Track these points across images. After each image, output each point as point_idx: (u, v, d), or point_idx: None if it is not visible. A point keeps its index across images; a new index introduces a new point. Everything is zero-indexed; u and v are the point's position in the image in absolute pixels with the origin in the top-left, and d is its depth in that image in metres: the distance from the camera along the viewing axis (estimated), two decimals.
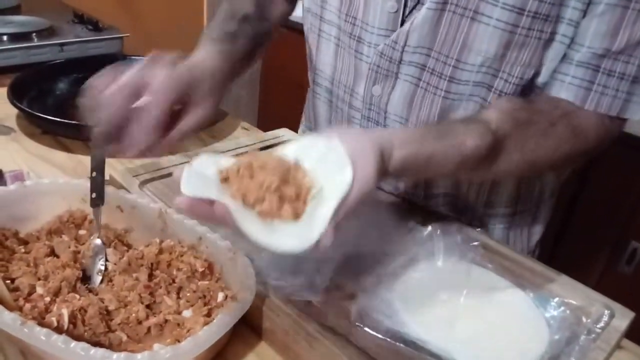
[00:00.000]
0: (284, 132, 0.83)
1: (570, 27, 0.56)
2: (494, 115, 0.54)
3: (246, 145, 0.77)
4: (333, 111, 0.75)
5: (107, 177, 0.58)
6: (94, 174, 0.54)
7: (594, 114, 0.57)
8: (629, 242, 1.31)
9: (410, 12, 0.60)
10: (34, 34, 1.07)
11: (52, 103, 0.92)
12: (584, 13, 0.55)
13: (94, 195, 0.53)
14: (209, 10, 2.22)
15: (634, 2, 0.53)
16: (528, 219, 0.76)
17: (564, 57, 0.58)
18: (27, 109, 0.81)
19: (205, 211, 0.39)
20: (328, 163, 0.41)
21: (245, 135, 0.88)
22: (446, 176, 0.58)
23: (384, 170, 0.43)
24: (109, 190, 0.55)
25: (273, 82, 2.39)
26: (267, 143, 0.79)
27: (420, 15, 0.58)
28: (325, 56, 0.73)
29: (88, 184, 0.54)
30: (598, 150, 0.62)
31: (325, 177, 0.40)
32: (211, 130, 0.90)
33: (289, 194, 0.39)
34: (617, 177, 1.30)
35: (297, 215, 0.39)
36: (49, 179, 0.56)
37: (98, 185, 0.53)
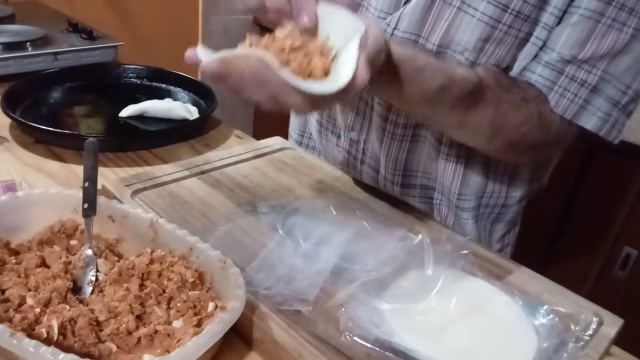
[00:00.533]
0: (277, 141, 0.83)
1: (545, 31, 0.60)
2: (481, 69, 0.59)
3: (239, 154, 0.77)
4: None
5: (99, 187, 0.58)
6: (87, 184, 0.54)
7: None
8: (623, 248, 1.32)
9: None
10: (28, 43, 1.07)
11: (45, 112, 0.92)
12: (559, 20, 0.58)
13: (85, 205, 0.53)
14: (203, 17, 2.23)
15: (605, 17, 0.56)
16: (492, 216, 0.78)
17: (534, 57, 0.61)
18: (20, 119, 0.81)
19: (238, 72, 0.43)
20: (342, 25, 0.45)
21: (238, 144, 0.89)
22: (429, 99, 0.56)
23: (385, 55, 0.48)
24: (100, 200, 0.55)
25: None
26: (261, 152, 0.79)
27: (415, 0, 0.61)
28: None
29: (80, 194, 0.54)
30: (553, 150, 0.65)
31: (342, 37, 0.45)
32: (204, 138, 0.90)
33: (313, 49, 0.44)
34: (610, 183, 1.31)
35: (326, 72, 0.44)
36: (40, 189, 0.56)
37: (90, 195, 0.54)
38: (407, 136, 0.71)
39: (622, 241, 1.31)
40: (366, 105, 0.72)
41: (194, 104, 1.00)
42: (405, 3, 0.62)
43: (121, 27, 1.98)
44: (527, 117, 0.60)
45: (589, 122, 0.60)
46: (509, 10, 0.58)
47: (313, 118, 0.83)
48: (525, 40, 0.60)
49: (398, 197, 0.74)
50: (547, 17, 0.59)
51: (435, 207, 0.77)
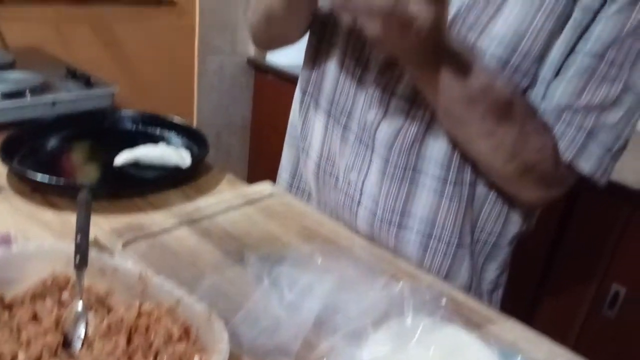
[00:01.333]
0: (266, 187, 0.86)
1: (542, 86, 0.65)
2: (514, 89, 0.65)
3: (229, 201, 0.80)
4: (328, 131, 0.82)
5: (92, 237, 0.61)
6: (79, 237, 0.56)
7: None
8: (611, 285, 1.33)
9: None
10: (28, 91, 1.11)
11: (42, 160, 0.95)
12: (556, 74, 0.64)
13: (77, 258, 0.55)
14: (199, 57, 2.29)
15: (597, 72, 0.62)
16: (484, 253, 0.80)
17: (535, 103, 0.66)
18: (17, 168, 0.84)
19: None
20: None
21: (229, 189, 0.91)
22: (470, 96, 0.61)
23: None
24: (92, 252, 0.57)
25: (263, 130, 2.44)
26: (250, 198, 0.82)
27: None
28: (316, 133, 0.82)
29: (72, 247, 0.56)
30: (556, 191, 0.70)
31: None
32: (196, 184, 0.93)
33: None
34: (595, 221, 1.33)
35: None
36: (34, 244, 0.58)
37: (82, 248, 0.56)
38: (406, 178, 0.74)
39: (609, 279, 1.33)
40: (366, 148, 0.76)
41: (187, 148, 1.03)
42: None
43: (118, 69, 2.05)
44: (545, 144, 0.64)
45: (586, 165, 0.65)
46: (509, 65, 0.63)
47: (311, 161, 0.85)
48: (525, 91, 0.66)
49: (392, 240, 0.77)
50: (545, 72, 0.64)
51: (430, 250, 0.78)
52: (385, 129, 0.72)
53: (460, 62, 0.60)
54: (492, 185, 0.73)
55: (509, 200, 0.76)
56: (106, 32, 1.96)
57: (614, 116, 0.63)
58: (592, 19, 0.61)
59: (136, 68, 2.10)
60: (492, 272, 0.82)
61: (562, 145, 0.65)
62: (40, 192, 0.84)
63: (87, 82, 1.20)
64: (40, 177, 0.82)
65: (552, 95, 0.64)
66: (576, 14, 0.61)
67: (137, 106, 1.95)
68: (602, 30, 0.61)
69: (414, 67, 0.63)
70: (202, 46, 2.25)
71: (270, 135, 2.37)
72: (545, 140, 0.65)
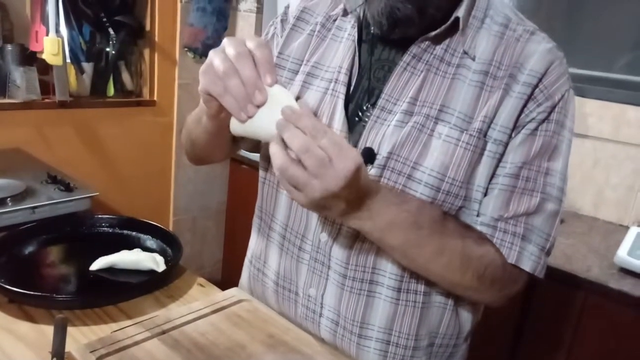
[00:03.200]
0: (234, 293, 0.91)
1: (476, 204, 0.75)
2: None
3: (198, 310, 0.84)
4: (284, 253, 0.87)
5: (66, 351, 0.64)
6: (54, 359, 0.61)
7: None
8: None
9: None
10: (9, 199, 1.16)
11: (20, 268, 0.98)
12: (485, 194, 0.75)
13: None
14: (177, 154, 2.39)
15: (517, 188, 0.73)
16: (446, 355, 0.85)
17: (472, 219, 0.76)
18: None
19: None
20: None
21: (200, 294, 0.96)
22: (411, 222, 0.70)
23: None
24: None
25: (238, 213, 2.51)
26: (219, 305, 0.86)
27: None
28: (271, 254, 0.89)
29: None
30: (512, 290, 0.77)
31: None
32: (169, 289, 0.97)
33: None
34: (553, 310, 1.40)
35: None
36: None
37: None
38: (364, 290, 0.79)
39: None
40: (322, 265, 0.81)
41: (162, 251, 1.08)
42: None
43: (99, 164, 2.12)
44: (487, 251, 0.73)
45: (528, 265, 0.74)
46: (441, 191, 0.73)
47: (269, 280, 0.90)
48: (461, 208, 0.75)
49: (354, 348, 0.81)
50: (474, 194, 0.75)
51: (389, 356, 0.82)
52: (339, 248, 0.79)
53: (391, 199, 0.70)
54: (445, 293, 0.80)
55: (461, 302, 0.82)
56: (88, 132, 2.06)
57: (539, 220, 0.74)
58: (505, 149, 0.74)
59: (116, 162, 2.18)
60: None
61: (504, 252, 0.74)
62: (17, 303, 0.88)
63: (67, 187, 1.26)
64: (16, 289, 0.86)
65: (485, 211, 0.75)
66: (490, 147, 0.73)
67: (117, 197, 2.02)
68: (513, 157, 0.74)
69: (338, 216, 0.70)
70: (180, 140, 2.35)
71: (245, 218, 2.43)
72: (486, 247, 0.74)
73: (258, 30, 2.42)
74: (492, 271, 0.73)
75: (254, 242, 0.96)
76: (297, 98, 0.70)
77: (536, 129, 0.73)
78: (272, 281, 0.90)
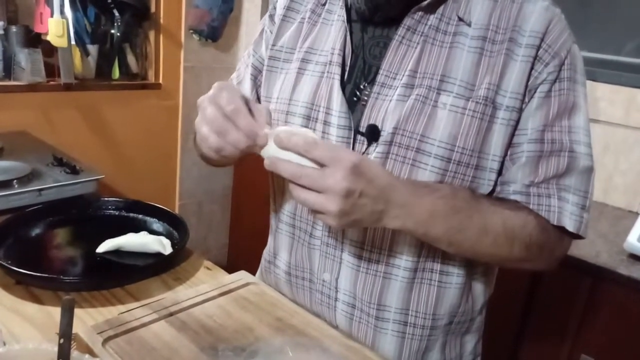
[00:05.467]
0: (242, 276, 0.91)
1: (493, 174, 0.74)
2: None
3: (205, 292, 0.84)
4: (295, 241, 0.87)
5: (73, 333, 0.64)
6: (62, 340, 0.60)
7: None
8: (580, 356, 1.37)
9: None
10: (15, 181, 1.16)
11: (27, 250, 0.99)
12: (501, 164, 0.75)
13: None
14: (182, 138, 2.38)
15: (543, 152, 0.72)
16: (462, 330, 0.85)
17: (500, 193, 0.75)
18: (1, 262, 0.87)
19: None
20: None
21: (207, 277, 0.96)
22: (449, 207, 0.70)
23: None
24: (74, 354, 0.61)
25: (244, 196, 2.51)
26: (226, 288, 0.86)
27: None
28: (283, 245, 0.89)
29: (55, 349, 0.60)
30: (558, 255, 0.76)
31: None
32: (175, 271, 0.97)
33: None
34: (560, 295, 1.39)
35: None
36: (19, 346, 0.62)
37: (65, 351, 0.59)
38: (380, 272, 0.79)
39: (578, 350, 1.37)
40: (335, 249, 0.81)
41: (168, 234, 1.08)
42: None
43: (105, 148, 2.11)
44: (526, 220, 0.72)
45: (570, 224, 0.72)
46: (452, 161, 0.72)
47: (280, 270, 0.90)
48: (475, 178, 0.74)
49: (371, 331, 0.81)
50: (490, 163, 0.74)
51: (407, 337, 0.81)
52: (352, 230, 0.78)
53: (421, 192, 0.69)
54: (461, 270, 0.79)
55: (474, 276, 0.82)
56: (93, 115, 2.05)
57: (571, 179, 0.73)
58: (519, 115, 0.72)
59: (122, 146, 2.17)
60: (470, 343, 0.87)
61: (544, 215, 0.73)
62: (25, 284, 0.88)
63: (73, 169, 1.25)
64: (23, 270, 0.86)
65: (515, 179, 0.74)
66: (502, 115, 0.72)
67: (123, 180, 2.02)
68: (533, 122, 0.73)
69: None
70: (185, 124, 2.34)
71: (250, 202, 2.43)
72: (524, 216, 0.73)
73: (264, 12, 2.39)
74: (537, 237, 0.72)
75: (270, 237, 0.96)
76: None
77: (550, 90, 0.72)
78: (284, 272, 0.90)
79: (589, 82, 0.78)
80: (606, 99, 1.72)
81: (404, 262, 0.77)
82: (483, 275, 0.84)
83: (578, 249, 1.33)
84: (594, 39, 1.83)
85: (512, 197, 0.74)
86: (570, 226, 0.72)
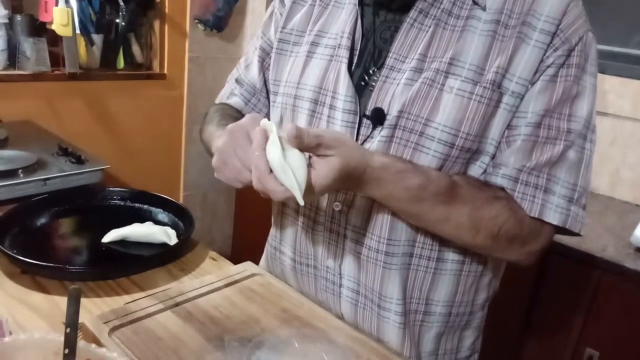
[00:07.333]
0: (247, 267, 0.90)
1: (487, 157, 0.74)
2: (452, 174, 0.73)
3: (211, 283, 0.84)
4: (298, 227, 0.87)
5: (80, 322, 0.64)
6: (68, 329, 0.60)
7: None
8: (585, 350, 1.37)
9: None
10: (20, 170, 1.15)
11: (32, 240, 0.98)
12: (498, 148, 0.73)
13: (66, 351, 0.59)
14: (187, 128, 2.37)
15: (540, 137, 0.70)
16: (462, 324, 0.85)
17: (492, 173, 0.73)
18: (7, 251, 0.87)
19: None
20: None
21: (213, 267, 0.95)
22: (413, 196, 0.69)
23: (364, 168, 0.66)
24: (80, 344, 0.61)
25: (248, 189, 2.49)
26: (232, 279, 0.86)
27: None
28: (287, 231, 0.88)
29: (61, 338, 0.59)
30: (534, 247, 0.74)
31: None
32: (181, 262, 0.97)
33: None
34: (566, 288, 1.38)
35: None
36: (25, 335, 0.62)
37: (71, 341, 0.59)
38: (380, 261, 0.78)
39: (583, 344, 1.37)
40: (338, 235, 0.80)
41: (173, 225, 1.07)
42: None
43: (109, 137, 2.11)
44: (500, 210, 0.71)
45: (554, 218, 0.71)
46: (455, 147, 0.71)
47: (286, 257, 0.90)
48: (474, 161, 0.74)
49: (375, 317, 0.81)
50: (487, 147, 0.73)
51: (408, 326, 0.82)
52: (354, 216, 0.78)
53: (388, 177, 0.68)
54: (458, 259, 0.79)
55: (476, 268, 0.81)
56: (98, 105, 2.04)
57: (562, 170, 0.71)
58: (521, 100, 0.71)
59: (126, 136, 2.17)
60: (468, 338, 0.87)
61: (526, 206, 0.71)
62: (30, 274, 0.88)
63: (78, 159, 1.25)
64: (29, 260, 0.86)
65: (507, 161, 0.72)
66: (507, 100, 0.71)
67: (127, 170, 2.01)
68: (534, 106, 0.71)
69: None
70: (190, 114, 2.34)
71: (255, 193, 2.42)
72: (500, 207, 0.71)
73: (269, 1, 2.37)
74: (507, 229, 0.71)
75: (273, 222, 0.95)
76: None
77: (555, 74, 0.70)
78: (289, 258, 0.89)
79: (598, 75, 0.76)
80: (615, 91, 1.71)
81: (401, 248, 0.77)
82: (488, 269, 0.83)
83: (585, 243, 1.32)
84: (603, 31, 1.81)
85: (500, 180, 0.72)
86: (553, 219, 0.71)
